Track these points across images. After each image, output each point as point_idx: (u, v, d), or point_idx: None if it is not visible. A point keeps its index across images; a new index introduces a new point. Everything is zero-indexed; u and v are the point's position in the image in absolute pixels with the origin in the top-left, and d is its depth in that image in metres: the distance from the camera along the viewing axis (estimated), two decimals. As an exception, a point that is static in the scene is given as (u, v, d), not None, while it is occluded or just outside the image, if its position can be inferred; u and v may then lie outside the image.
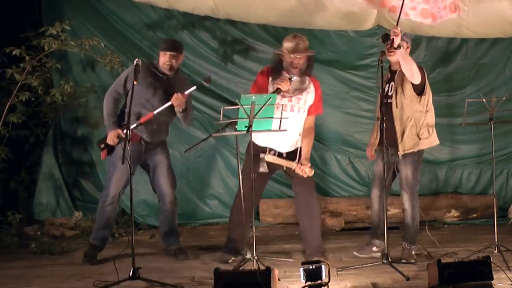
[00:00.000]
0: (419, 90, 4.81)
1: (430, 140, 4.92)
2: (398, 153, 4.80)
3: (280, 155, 4.78)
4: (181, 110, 4.94)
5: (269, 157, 4.72)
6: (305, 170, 4.74)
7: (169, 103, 4.83)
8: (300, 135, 4.83)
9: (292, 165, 4.74)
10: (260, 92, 4.70)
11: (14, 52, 5.75)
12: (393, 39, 4.51)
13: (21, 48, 5.77)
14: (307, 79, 4.83)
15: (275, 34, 6.66)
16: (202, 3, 6.24)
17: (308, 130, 4.89)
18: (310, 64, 4.84)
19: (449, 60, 6.81)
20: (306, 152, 4.83)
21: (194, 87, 4.92)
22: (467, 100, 5.15)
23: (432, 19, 4.86)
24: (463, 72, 6.81)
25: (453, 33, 6.55)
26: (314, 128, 4.96)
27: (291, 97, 4.76)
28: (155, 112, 4.81)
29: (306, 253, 4.96)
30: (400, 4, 4.65)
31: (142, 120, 4.80)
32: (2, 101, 6.02)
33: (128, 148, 4.29)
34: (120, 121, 4.93)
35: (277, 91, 4.60)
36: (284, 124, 4.31)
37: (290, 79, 4.67)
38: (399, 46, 4.55)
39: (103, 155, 5.01)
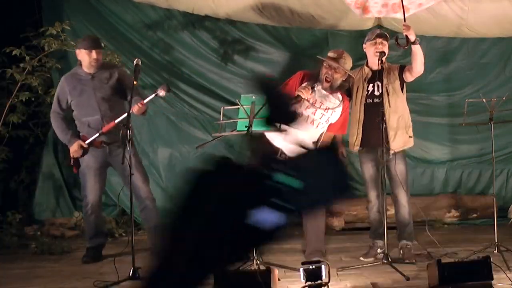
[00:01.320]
0: (402, 88, 4.84)
1: (412, 139, 4.96)
2: (390, 151, 4.77)
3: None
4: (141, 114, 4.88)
5: None
6: None
7: (130, 112, 4.68)
8: (314, 145, 4.76)
9: None
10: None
11: (14, 52, 5.76)
12: (406, 35, 4.54)
13: (21, 48, 5.78)
14: (339, 98, 4.75)
15: (275, 34, 6.67)
16: (202, 3, 6.25)
17: (324, 145, 4.81)
18: (343, 85, 4.74)
19: (449, 60, 6.81)
20: None
21: (153, 95, 4.76)
22: (467, 100, 5.15)
23: (405, 12, 4.82)
24: (463, 72, 6.81)
25: (453, 33, 6.55)
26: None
27: (315, 110, 4.70)
28: (116, 121, 4.72)
29: (306, 253, 4.96)
30: (399, 2, 4.67)
31: (104, 129, 4.76)
32: (2, 101, 6.03)
33: (129, 148, 4.29)
34: (80, 129, 4.95)
35: (297, 98, 4.53)
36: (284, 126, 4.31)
37: (312, 87, 4.59)
38: (414, 42, 4.57)
39: (75, 169, 5.00)
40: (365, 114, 4.82)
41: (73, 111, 4.95)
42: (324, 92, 4.69)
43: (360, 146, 4.90)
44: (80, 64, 4.96)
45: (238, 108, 4.29)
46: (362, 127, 4.83)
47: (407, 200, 4.88)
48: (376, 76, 4.79)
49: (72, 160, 4.94)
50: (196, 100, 6.61)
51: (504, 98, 5.11)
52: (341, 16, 6.22)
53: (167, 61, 6.61)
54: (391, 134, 4.77)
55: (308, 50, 6.73)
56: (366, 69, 4.90)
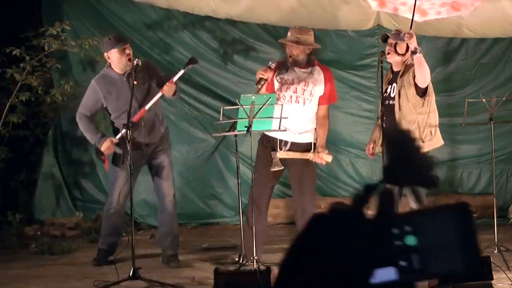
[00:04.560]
0: (422, 93, 4.78)
1: (433, 142, 4.89)
2: None
3: (292, 146, 4.75)
4: (172, 94, 4.76)
5: (281, 154, 4.70)
6: (323, 157, 4.74)
7: (160, 94, 4.64)
8: (313, 124, 4.80)
9: (308, 156, 4.73)
10: (270, 87, 4.77)
11: (14, 52, 5.76)
12: (407, 44, 4.49)
13: (21, 48, 5.77)
14: (314, 69, 4.83)
15: (275, 34, 6.66)
16: (202, 3, 6.25)
17: (322, 119, 4.86)
18: (311, 58, 4.82)
19: (449, 60, 6.81)
20: (320, 141, 4.82)
21: (182, 71, 4.72)
22: (467, 100, 5.15)
23: (465, 9, 4.72)
24: (463, 72, 6.81)
25: (453, 33, 6.55)
26: (328, 117, 4.93)
27: (295, 88, 4.75)
28: (146, 107, 4.61)
29: None
30: (413, 7, 4.63)
31: (135, 119, 4.50)
32: (2, 101, 6.03)
33: (129, 148, 4.27)
34: (117, 133, 4.75)
35: (261, 81, 4.60)
36: (285, 123, 4.33)
37: (269, 67, 4.67)
38: (415, 51, 4.50)
39: (107, 166, 4.85)
40: (383, 115, 4.81)
41: (110, 114, 4.80)
42: (296, 69, 4.78)
43: (381, 146, 4.91)
44: (109, 65, 4.73)
45: (238, 108, 4.30)
46: (382, 128, 4.83)
47: (415, 204, 4.88)
48: (395, 77, 4.82)
49: (103, 156, 4.76)
50: (196, 100, 6.60)
51: (504, 98, 5.11)
52: (341, 16, 6.22)
53: (167, 61, 6.60)
54: None
55: (308, 50, 6.73)
56: (389, 71, 4.93)
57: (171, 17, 6.57)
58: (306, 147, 4.76)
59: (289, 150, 4.73)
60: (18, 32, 5.99)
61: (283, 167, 4.73)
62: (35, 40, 5.90)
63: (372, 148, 5.14)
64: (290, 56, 4.76)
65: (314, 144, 4.77)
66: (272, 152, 4.68)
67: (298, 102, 4.76)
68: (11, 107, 5.93)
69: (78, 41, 5.91)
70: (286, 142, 4.74)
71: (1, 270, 4.82)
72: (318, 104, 4.83)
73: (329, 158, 4.79)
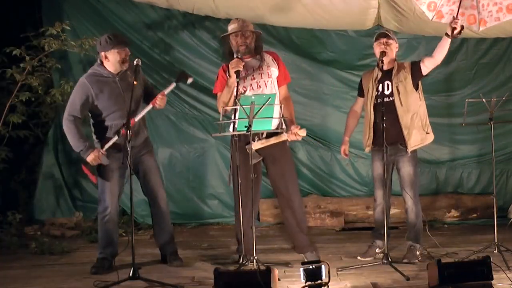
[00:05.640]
0: (416, 85, 4.83)
1: (431, 135, 4.96)
2: (407, 150, 4.79)
3: (267, 136, 4.73)
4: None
5: (256, 145, 4.67)
6: (298, 133, 4.71)
7: (151, 106, 4.65)
8: (280, 108, 4.73)
9: (282, 137, 4.72)
10: (222, 87, 4.79)
11: (14, 52, 5.76)
12: (454, 28, 4.60)
13: (21, 48, 5.78)
14: (263, 55, 4.89)
15: (275, 34, 6.67)
16: (202, 3, 6.25)
17: (284, 101, 4.87)
18: (259, 45, 4.87)
19: (449, 60, 6.80)
20: (290, 118, 4.83)
21: (174, 85, 4.75)
22: (467, 100, 5.15)
23: (480, 25, 4.76)
24: (463, 72, 6.80)
25: (453, 33, 6.54)
26: (289, 97, 4.97)
27: (253, 75, 4.77)
28: (136, 119, 4.59)
29: (296, 249, 4.99)
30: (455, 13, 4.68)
31: (123, 131, 4.34)
32: (2, 101, 6.04)
33: (128, 149, 4.26)
34: (102, 134, 4.67)
35: (237, 74, 4.59)
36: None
37: (239, 58, 4.66)
38: (453, 35, 4.63)
39: (95, 179, 4.74)
40: (375, 114, 4.82)
41: (90, 115, 4.71)
42: (246, 60, 4.78)
43: (372, 145, 4.91)
44: (101, 64, 4.66)
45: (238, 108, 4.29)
46: (374, 127, 4.83)
47: (413, 202, 4.89)
48: (386, 75, 4.84)
49: (89, 169, 4.68)
50: (196, 100, 6.61)
51: (504, 98, 5.11)
52: (341, 16, 6.22)
53: (167, 61, 6.61)
54: (405, 132, 4.79)
55: (308, 50, 6.74)
56: (377, 70, 4.91)
57: (171, 17, 6.57)
58: (278, 132, 4.74)
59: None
60: (18, 32, 5.99)
61: (261, 157, 4.69)
62: (35, 40, 5.90)
63: (348, 148, 5.14)
64: (243, 45, 4.77)
65: (285, 127, 4.77)
66: (246, 146, 4.59)
67: (260, 87, 4.78)
68: (11, 107, 5.94)
69: (78, 41, 5.91)
70: (259, 136, 4.71)
71: (1, 270, 4.82)
72: (278, 85, 4.86)
73: (303, 132, 4.74)
